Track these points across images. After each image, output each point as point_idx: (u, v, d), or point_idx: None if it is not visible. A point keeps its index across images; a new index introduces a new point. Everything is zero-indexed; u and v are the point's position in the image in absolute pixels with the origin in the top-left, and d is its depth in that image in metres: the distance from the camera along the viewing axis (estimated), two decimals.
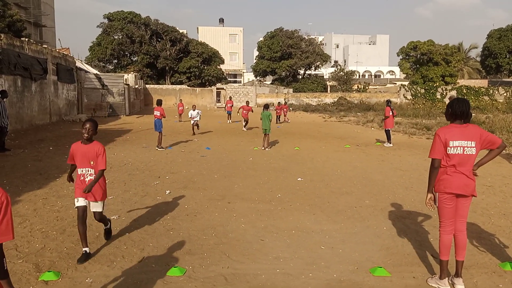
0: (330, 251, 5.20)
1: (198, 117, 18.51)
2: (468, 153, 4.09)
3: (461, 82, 50.89)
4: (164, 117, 14.30)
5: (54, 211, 6.65)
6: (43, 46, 22.77)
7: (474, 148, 4.09)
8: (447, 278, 4.24)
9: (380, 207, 7.13)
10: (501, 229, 6.04)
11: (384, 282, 4.40)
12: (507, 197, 7.88)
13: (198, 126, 18.56)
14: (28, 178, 9.06)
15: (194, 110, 18.66)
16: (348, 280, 4.43)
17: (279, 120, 26.13)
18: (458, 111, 4.15)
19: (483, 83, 52.07)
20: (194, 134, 18.02)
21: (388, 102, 15.98)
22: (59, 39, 38.91)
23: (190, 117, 18.69)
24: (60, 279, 4.30)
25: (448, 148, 4.10)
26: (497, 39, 51.76)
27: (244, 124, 21.62)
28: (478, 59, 60.14)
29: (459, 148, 4.08)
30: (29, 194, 7.70)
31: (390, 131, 15.33)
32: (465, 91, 41.42)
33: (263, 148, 14.00)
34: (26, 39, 20.25)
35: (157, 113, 14.04)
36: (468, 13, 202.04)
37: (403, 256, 5.09)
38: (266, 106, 14.86)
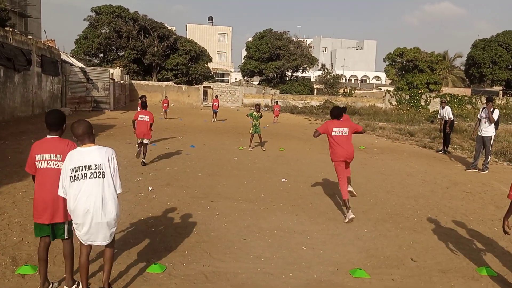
0: (311, 252, 5.23)
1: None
2: (344, 134, 6.85)
3: (445, 90, 51.66)
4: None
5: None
6: (28, 37, 22.34)
7: (347, 131, 6.88)
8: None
9: (362, 210, 7.20)
10: (479, 235, 6.16)
11: (364, 283, 4.44)
12: (485, 203, 8.03)
13: None
14: (8, 170, 8.89)
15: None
16: (328, 281, 4.46)
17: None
18: (332, 116, 7.08)
19: (466, 91, 52.92)
20: None
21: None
22: (44, 31, 38.41)
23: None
24: (37, 273, 4.22)
25: (332, 132, 6.79)
26: (481, 49, 52.72)
27: None
28: (463, 68, 61.17)
29: (338, 131, 6.82)
30: (8, 186, 7.56)
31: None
32: (448, 99, 42.06)
33: (250, 149, 13.98)
34: (11, 29, 19.85)
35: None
36: (454, 23, 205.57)
37: (382, 258, 5.15)
38: (257, 107, 14.74)
